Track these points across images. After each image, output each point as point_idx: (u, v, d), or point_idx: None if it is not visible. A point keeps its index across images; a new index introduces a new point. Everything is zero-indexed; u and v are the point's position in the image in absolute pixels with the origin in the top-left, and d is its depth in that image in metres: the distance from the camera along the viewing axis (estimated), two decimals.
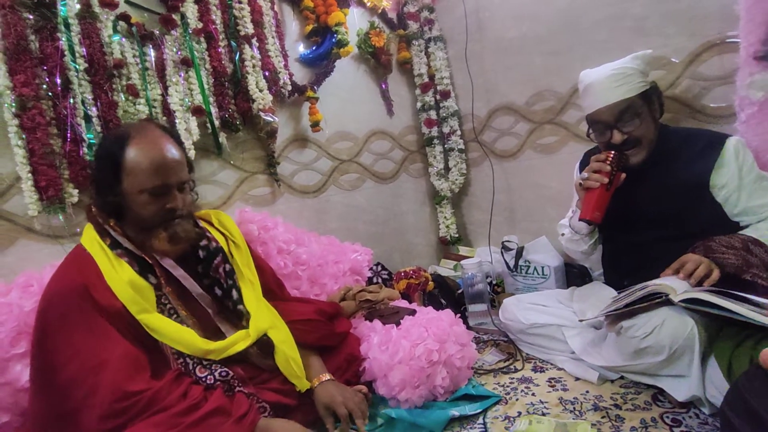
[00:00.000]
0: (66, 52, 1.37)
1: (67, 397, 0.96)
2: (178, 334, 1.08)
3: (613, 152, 1.34)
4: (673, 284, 1.10)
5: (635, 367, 1.21)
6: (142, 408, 0.94)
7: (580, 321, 1.38)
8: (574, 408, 1.20)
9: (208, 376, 1.09)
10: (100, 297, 1.01)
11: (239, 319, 1.22)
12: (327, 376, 1.23)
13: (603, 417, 1.14)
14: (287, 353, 1.19)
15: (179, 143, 1.17)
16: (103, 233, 1.10)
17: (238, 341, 1.15)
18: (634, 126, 1.32)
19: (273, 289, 1.40)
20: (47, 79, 1.34)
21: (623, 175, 1.33)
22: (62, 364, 0.97)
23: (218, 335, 1.16)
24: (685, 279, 1.11)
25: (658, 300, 1.12)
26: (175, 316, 1.12)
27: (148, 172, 1.07)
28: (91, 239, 1.10)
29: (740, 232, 1.21)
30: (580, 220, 1.39)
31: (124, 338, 1.01)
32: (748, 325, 0.98)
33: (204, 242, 1.22)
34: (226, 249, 1.28)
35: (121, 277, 1.05)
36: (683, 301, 1.05)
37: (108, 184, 1.08)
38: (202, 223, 1.28)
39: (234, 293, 1.23)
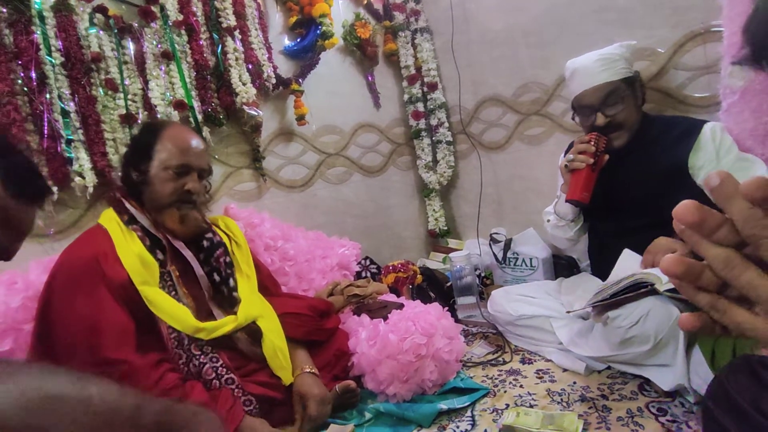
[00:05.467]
0: (41, 46, 1.33)
1: (63, 362, 0.98)
2: (173, 310, 1.13)
3: (596, 134, 1.38)
4: (658, 274, 1.10)
5: (622, 357, 1.22)
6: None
7: (568, 312, 1.39)
8: (562, 399, 1.20)
9: (201, 356, 1.13)
10: (108, 268, 1.08)
11: (232, 306, 1.27)
12: (309, 368, 1.25)
13: (590, 408, 1.14)
14: (275, 342, 1.23)
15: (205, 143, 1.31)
16: (122, 211, 1.20)
17: (227, 323, 1.19)
18: (617, 110, 1.36)
19: (267, 286, 1.45)
20: (22, 74, 1.31)
21: (606, 156, 1.38)
22: (63, 327, 1.01)
23: (210, 318, 1.21)
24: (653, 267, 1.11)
25: (644, 290, 1.13)
26: (174, 293, 1.18)
27: (175, 152, 1.19)
28: (109, 218, 1.19)
29: None
30: (567, 201, 1.42)
31: (122, 310, 1.06)
32: None
33: (209, 235, 1.30)
34: (228, 247, 1.35)
35: (131, 249, 1.13)
36: (668, 290, 1.06)
37: (138, 162, 1.20)
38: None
39: (231, 281, 1.29)
